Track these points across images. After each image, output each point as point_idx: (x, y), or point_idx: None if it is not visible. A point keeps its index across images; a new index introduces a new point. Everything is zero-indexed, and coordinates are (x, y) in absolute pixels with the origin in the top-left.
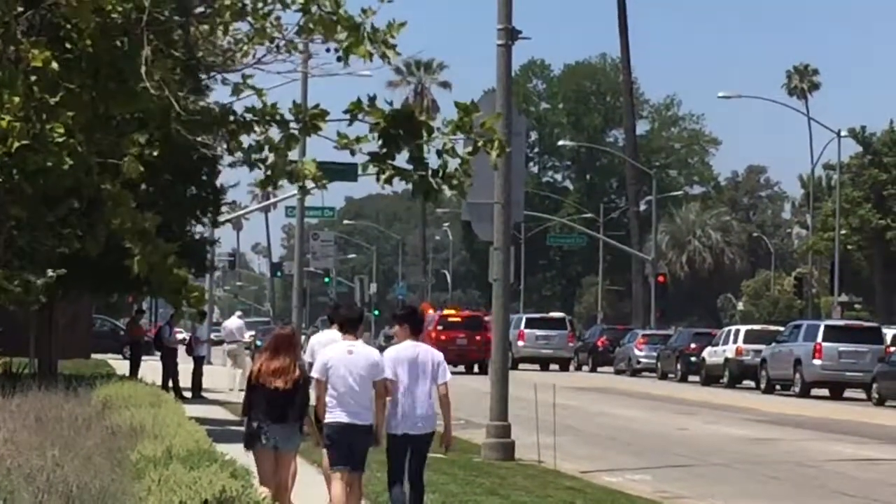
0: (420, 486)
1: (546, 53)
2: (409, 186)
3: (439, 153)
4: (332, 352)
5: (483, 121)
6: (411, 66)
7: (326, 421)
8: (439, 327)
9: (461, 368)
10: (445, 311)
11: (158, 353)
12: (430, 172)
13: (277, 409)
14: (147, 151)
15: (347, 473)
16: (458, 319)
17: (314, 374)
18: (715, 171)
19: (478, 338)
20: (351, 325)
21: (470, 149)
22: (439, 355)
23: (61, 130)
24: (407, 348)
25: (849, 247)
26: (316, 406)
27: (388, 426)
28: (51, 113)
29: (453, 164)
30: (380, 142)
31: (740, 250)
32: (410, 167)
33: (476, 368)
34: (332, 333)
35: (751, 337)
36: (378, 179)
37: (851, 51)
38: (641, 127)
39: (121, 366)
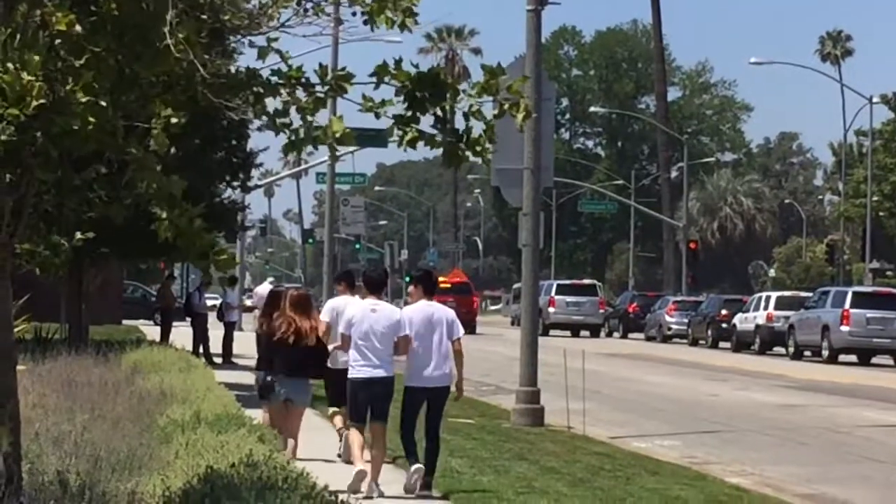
0: (436, 439)
1: (577, 20)
2: (434, 150)
3: (465, 116)
4: (356, 309)
5: (509, 83)
6: (442, 32)
7: (350, 376)
8: None
9: None
10: (439, 280)
11: (188, 319)
12: (455, 136)
13: (293, 364)
14: (174, 121)
15: (370, 426)
16: (448, 286)
17: (340, 329)
18: (747, 138)
19: (465, 301)
20: (375, 286)
21: (496, 112)
22: (452, 313)
23: (84, 93)
24: (422, 307)
25: (881, 213)
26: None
27: (405, 379)
28: (75, 75)
29: (478, 128)
30: (405, 104)
31: (772, 217)
32: (435, 131)
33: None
34: (346, 297)
35: (782, 303)
36: (400, 143)
37: (885, 17)
38: (673, 93)
39: (152, 332)
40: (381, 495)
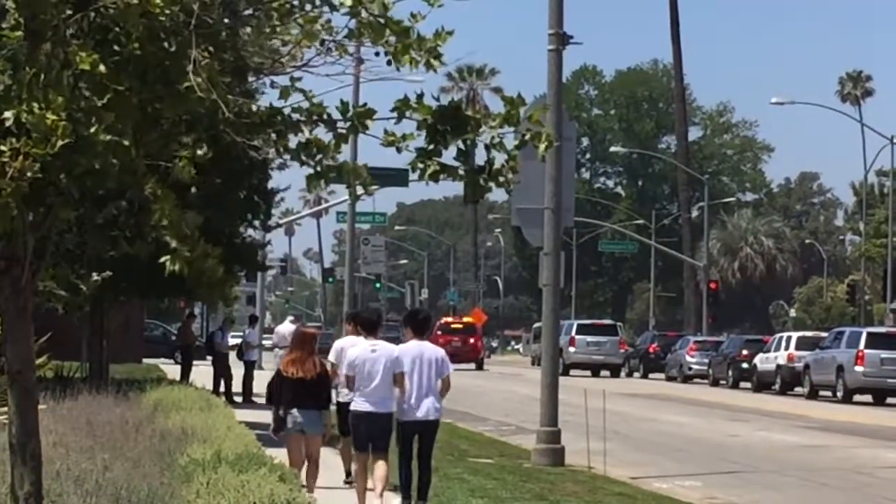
0: (428, 470)
1: (598, 59)
2: (457, 184)
3: (487, 148)
4: (358, 350)
5: (530, 114)
6: (463, 71)
7: (352, 409)
8: (439, 332)
9: (458, 364)
10: (445, 319)
11: (210, 358)
12: (476, 168)
13: (302, 397)
14: (199, 153)
15: (373, 455)
16: (457, 326)
17: (343, 370)
18: (767, 178)
19: (470, 341)
20: (371, 327)
21: (517, 142)
22: (441, 352)
23: (107, 132)
24: (412, 347)
25: None
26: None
27: (398, 414)
28: (98, 114)
29: (500, 160)
30: (426, 138)
31: (792, 257)
32: (457, 163)
33: (473, 366)
34: (352, 338)
35: (802, 344)
36: (423, 176)
37: None
38: (694, 133)
39: (173, 370)
40: None
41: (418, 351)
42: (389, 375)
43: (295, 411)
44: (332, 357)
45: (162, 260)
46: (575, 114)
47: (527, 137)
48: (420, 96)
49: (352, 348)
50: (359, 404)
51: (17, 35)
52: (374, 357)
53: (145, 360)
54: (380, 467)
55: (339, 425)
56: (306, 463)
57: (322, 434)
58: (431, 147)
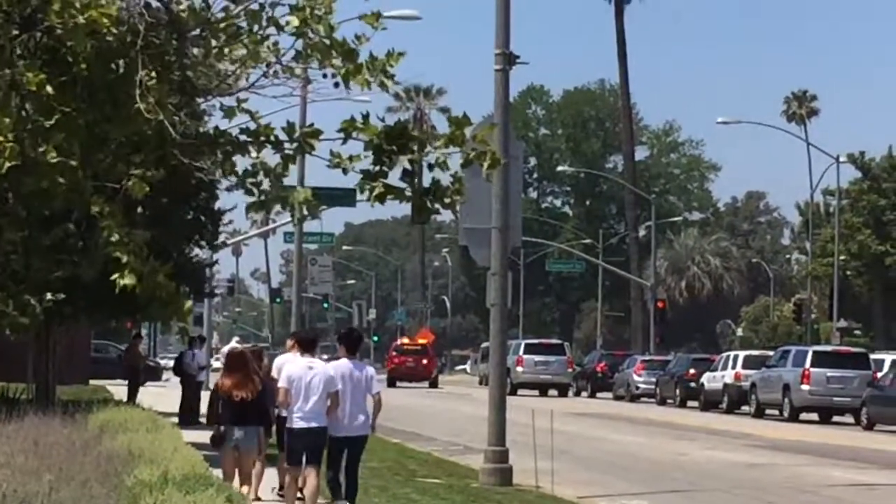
0: (354, 481)
1: (545, 79)
2: (404, 206)
3: (430, 167)
4: (295, 367)
5: (475, 133)
6: (410, 91)
7: (288, 426)
8: (393, 352)
9: (413, 384)
10: (400, 341)
11: (178, 379)
12: (422, 189)
13: (238, 415)
14: (150, 173)
15: (305, 469)
16: (410, 347)
17: (280, 384)
18: (714, 197)
19: (424, 361)
20: (309, 345)
21: (462, 161)
22: (371, 370)
23: (55, 153)
24: (344, 364)
25: (848, 273)
26: (278, 410)
27: (330, 429)
28: (45, 135)
29: (446, 180)
30: (372, 158)
31: (739, 276)
32: (403, 185)
33: (427, 385)
34: (290, 355)
35: (749, 362)
36: (369, 198)
37: (850, 76)
38: (641, 153)
39: (120, 392)
40: None
41: (349, 369)
42: (325, 393)
43: (233, 429)
44: (273, 373)
45: (114, 277)
46: (522, 133)
47: (472, 157)
48: (366, 117)
49: (289, 364)
50: (297, 421)
51: None
52: (311, 374)
53: (97, 382)
54: (312, 479)
55: (277, 440)
56: (237, 475)
57: (255, 449)
58: (377, 168)
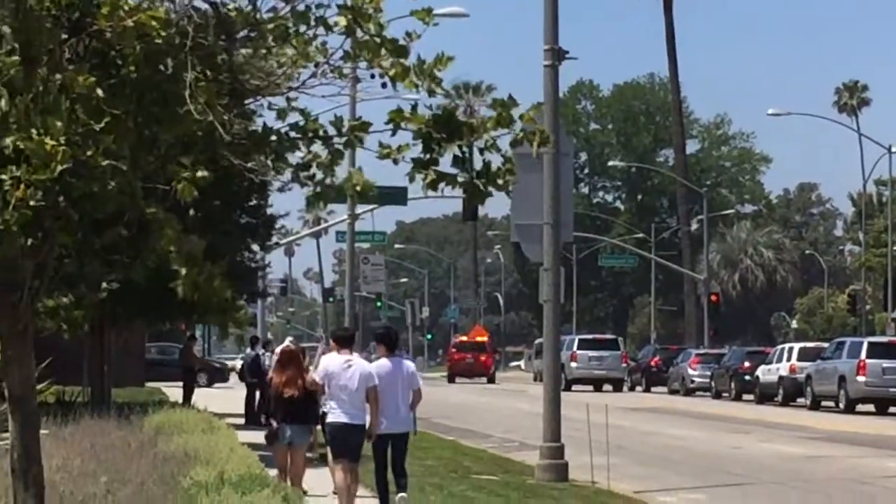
0: (403, 473)
1: (594, 74)
2: (456, 202)
3: (481, 150)
4: (332, 363)
5: (521, 114)
6: (459, 88)
7: (328, 421)
8: (453, 349)
9: (471, 379)
10: (460, 338)
11: (255, 381)
12: (474, 174)
13: (289, 412)
14: (199, 175)
15: (347, 464)
16: (469, 344)
17: (316, 377)
18: (766, 189)
19: (482, 357)
20: (346, 342)
21: (511, 142)
22: (412, 365)
23: (106, 155)
24: (384, 363)
25: None
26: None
27: (373, 427)
28: (95, 138)
29: (496, 163)
30: (422, 147)
31: (793, 268)
32: (454, 171)
33: (485, 380)
34: (334, 354)
35: (804, 355)
36: (422, 185)
37: None
38: (692, 146)
39: (176, 394)
40: None
41: (390, 366)
42: (363, 389)
43: (286, 426)
44: (319, 372)
45: (172, 285)
46: (572, 129)
47: (521, 137)
48: (414, 107)
49: (326, 359)
50: (335, 416)
51: (14, 60)
52: (349, 371)
53: (157, 384)
54: (352, 476)
55: (325, 435)
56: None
57: (306, 445)
58: (428, 156)
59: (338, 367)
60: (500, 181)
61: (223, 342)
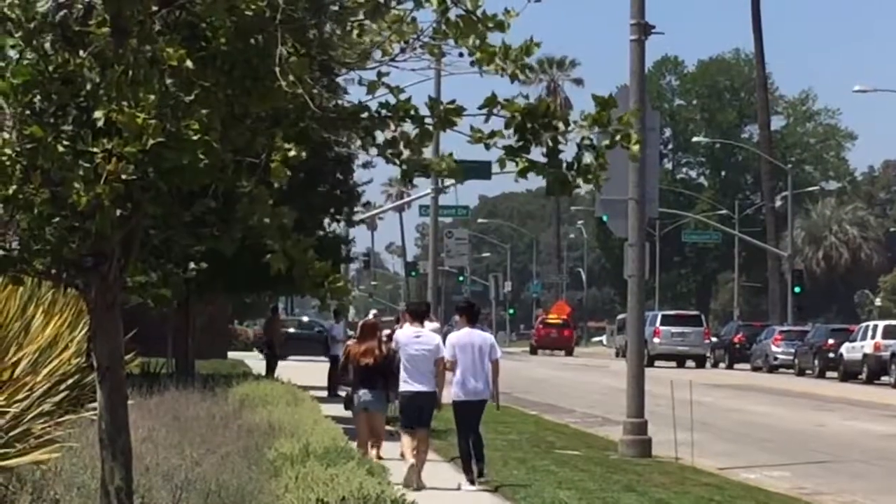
0: (478, 438)
1: (679, 49)
2: (544, 181)
3: (578, 146)
4: (403, 335)
5: (620, 115)
6: (543, 63)
7: (400, 389)
8: (539, 325)
9: (553, 351)
10: (545, 316)
11: (336, 354)
12: (564, 165)
13: (363, 378)
14: (292, 154)
15: (417, 430)
16: (553, 322)
17: (394, 347)
18: (851, 166)
19: (565, 332)
20: (418, 316)
21: (607, 142)
22: (491, 338)
23: (196, 128)
24: (465, 334)
25: None
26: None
27: (452, 395)
28: (186, 111)
29: (588, 157)
30: (515, 135)
31: (877, 245)
32: (545, 161)
33: (563, 353)
34: (408, 326)
35: (889, 332)
36: (515, 171)
37: None
38: (776, 122)
39: (258, 366)
40: (423, 488)
41: (469, 338)
42: (431, 360)
43: (362, 391)
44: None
45: (266, 259)
46: (657, 104)
47: (617, 138)
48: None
49: (398, 331)
50: (406, 384)
51: (104, 32)
52: (418, 342)
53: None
54: (422, 443)
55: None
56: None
57: (384, 409)
58: (520, 144)
59: (408, 338)
60: (590, 176)
61: (304, 314)
